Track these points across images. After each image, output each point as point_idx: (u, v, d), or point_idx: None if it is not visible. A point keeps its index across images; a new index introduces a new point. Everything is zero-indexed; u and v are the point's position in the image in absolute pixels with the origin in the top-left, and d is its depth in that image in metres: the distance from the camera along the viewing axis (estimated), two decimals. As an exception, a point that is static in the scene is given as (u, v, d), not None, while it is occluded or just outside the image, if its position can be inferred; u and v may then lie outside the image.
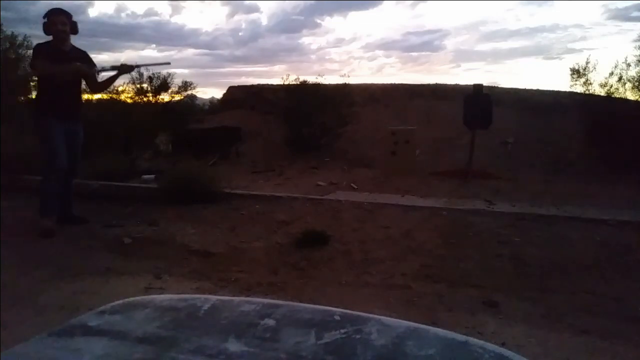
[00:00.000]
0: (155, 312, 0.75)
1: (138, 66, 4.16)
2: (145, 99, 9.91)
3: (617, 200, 5.00)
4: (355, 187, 5.88)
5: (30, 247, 3.41)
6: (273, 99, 9.81)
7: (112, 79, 4.05)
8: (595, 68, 8.83)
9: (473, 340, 0.64)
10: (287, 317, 0.71)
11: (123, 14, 52.03)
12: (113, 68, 3.95)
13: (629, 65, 8.65)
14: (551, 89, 10.74)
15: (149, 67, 4.57)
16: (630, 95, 8.74)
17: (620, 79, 8.72)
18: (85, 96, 9.95)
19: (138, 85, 9.71)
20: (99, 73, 3.96)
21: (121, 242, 3.54)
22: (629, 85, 8.70)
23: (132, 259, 3.24)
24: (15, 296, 2.48)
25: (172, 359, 0.60)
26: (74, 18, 3.89)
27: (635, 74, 8.62)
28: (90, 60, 3.98)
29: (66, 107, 3.78)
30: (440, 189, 5.58)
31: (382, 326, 0.68)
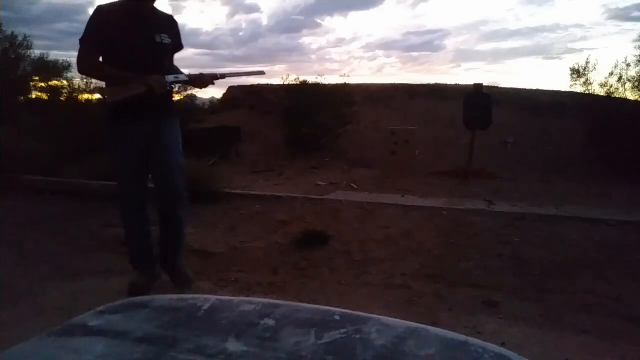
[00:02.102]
0: (155, 312, 0.75)
1: (222, 76, 2.65)
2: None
3: (617, 200, 5.00)
4: (355, 187, 5.88)
5: (30, 247, 3.41)
6: (273, 99, 9.83)
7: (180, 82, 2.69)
8: (595, 68, 8.85)
9: (473, 340, 0.64)
10: (287, 317, 0.71)
11: (123, 14, 51.91)
12: (189, 77, 2.57)
13: (629, 65, 8.66)
14: (551, 89, 10.78)
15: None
16: (630, 95, 8.74)
17: (620, 79, 8.72)
18: (87, 96, 9.94)
19: None
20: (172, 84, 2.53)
21: (121, 242, 3.54)
22: (629, 85, 8.70)
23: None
24: (15, 296, 2.48)
25: (172, 359, 0.60)
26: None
27: (635, 74, 8.62)
28: (177, 32, 2.62)
29: (146, 101, 2.36)
30: (440, 189, 5.58)
31: (382, 326, 0.67)
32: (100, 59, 2.41)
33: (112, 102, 2.36)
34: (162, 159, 2.49)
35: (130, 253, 2.67)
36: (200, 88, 2.76)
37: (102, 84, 3.03)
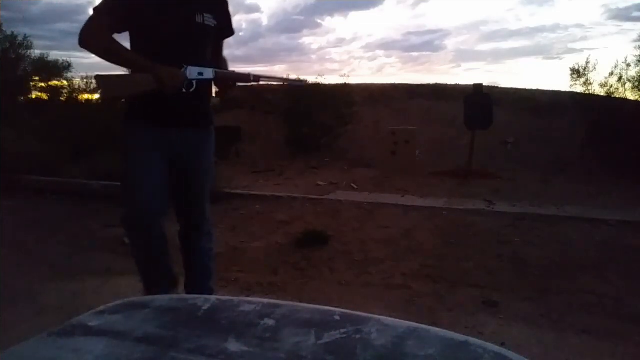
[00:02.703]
0: (155, 312, 0.75)
1: (257, 79, 1.93)
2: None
3: (617, 200, 5.00)
4: (355, 187, 5.88)
5: (30, 247, 3.41)
6: (273, 99, 9.83)
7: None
8: (595, 68, 8.87)
9: (473, 340, 0.64)
10: (287, 317, 0.71)
11: (123, 14, 51.83)
12: (216, 74, 1.86)
13: (629, 65, 8.68)
14: (551, 89, 10.76)
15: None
16: (630, 95, 8.77)
17: (620, 79, 8.74)
18: (87, 96, 9.94)
19: None
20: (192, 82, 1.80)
21: (121, 242, 3.54)
22: (629, 85, 8.73)
23: (132, 259, 3.23)
24: (15, 296, 2.48)
25: (172, 359, 0.60)
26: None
27: (635, 74, 8.65)
28: (226, 12, 1.97)
29: (175, 101, 1.78)
30: (440, 189, 5.58)
31: (382, 326, 0.67)
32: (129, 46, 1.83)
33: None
34: (193, 185, 2.03)
35: (145, 282, 2.06)
36: (226, 90, 2.01)
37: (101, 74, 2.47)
